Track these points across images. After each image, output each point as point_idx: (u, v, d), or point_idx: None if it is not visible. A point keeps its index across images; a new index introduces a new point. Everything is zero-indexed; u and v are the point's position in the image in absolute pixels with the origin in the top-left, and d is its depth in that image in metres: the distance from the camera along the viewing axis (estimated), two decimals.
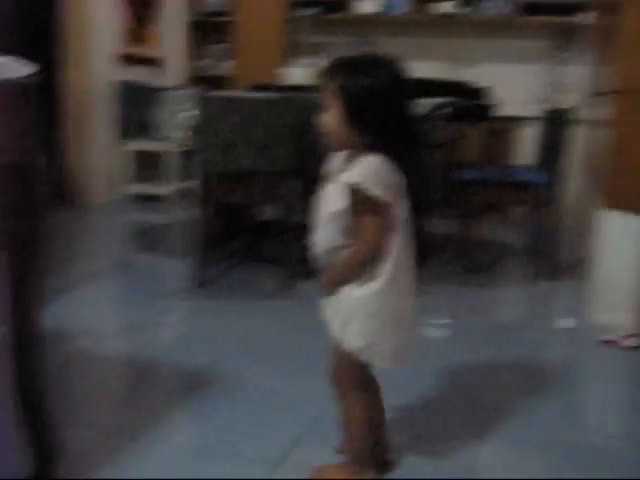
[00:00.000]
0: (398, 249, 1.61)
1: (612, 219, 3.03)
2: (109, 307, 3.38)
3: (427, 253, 4.30)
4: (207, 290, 3.48)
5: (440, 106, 3.68)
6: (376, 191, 1.53)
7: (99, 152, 5.73)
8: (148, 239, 4.88)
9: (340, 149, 1.62)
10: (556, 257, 3.91)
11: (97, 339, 2.80)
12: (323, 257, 1.66)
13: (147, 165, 6.04)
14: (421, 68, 5.26)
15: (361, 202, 1.55)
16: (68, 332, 2.84)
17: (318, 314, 1.72)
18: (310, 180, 3.16)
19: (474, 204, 3.97)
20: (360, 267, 1.60)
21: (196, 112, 3.26)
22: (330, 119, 1.56)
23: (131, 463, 1.84)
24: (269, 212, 4.51)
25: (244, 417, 2.16)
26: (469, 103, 4.14)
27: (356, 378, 1.71)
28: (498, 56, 5.88)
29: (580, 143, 4.04)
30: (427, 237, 4.42)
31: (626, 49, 3.31)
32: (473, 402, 2.32)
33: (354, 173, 1.54)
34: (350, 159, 1.60)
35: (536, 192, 3.90)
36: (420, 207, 4.22)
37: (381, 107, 1.54)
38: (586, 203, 4.30)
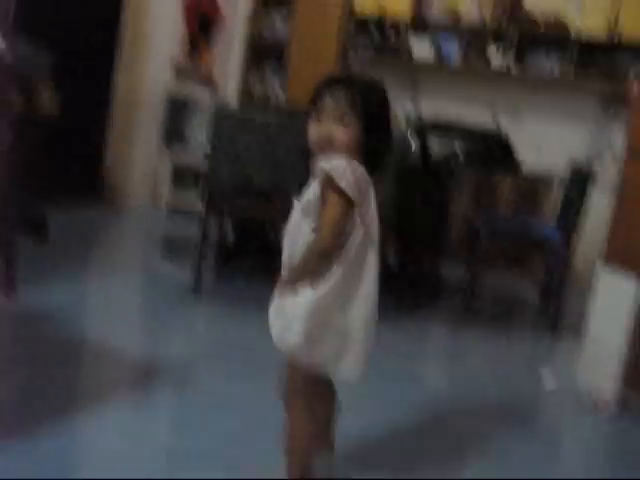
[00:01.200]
0: (354, 254, 1.60)
1: (612, 279, 2.98)
2: (105, 300, 3.46)
3: (437, 294, 4.30)
4: (206, 298, 3.55)
5: (460, 150, 3.70)
6: (343, 184, 1.56)
7: (141, 158, 5.91)
8: (169, 247, 4.99)
9: (332, 155, 1.63)
10: (560, 313, 3.87)
11: (80, 324, 2.90)
12: (291, 257, 1.65)
13: (185, 177, 6.19)
14: (465, 116, 5.32)
15: (328, 191, 1.58)
16: (53, 315, 2.94)
17: None
18: None
19: (487, 253, 3.96)
20: (315, 261, 1.59)
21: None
22: (342, 131, 1.62)
23: (58, 431, 1.90)
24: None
25: (187, 413, 2.20)
26: (492, 152, 4.14)
27: (301, 389, 1.68)
28: (544, 114, 5.87)
29: (601, 204, 3.99)
30: (439, 278, 4.42)
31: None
32: (443, 439, 2.37)
33: (327, 163, 1.59)
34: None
35: (550, 247, 3.88)
36: (436, 248, 4.26)
37: (384, 122, 1.69)
38: (595, 262, 4.25)
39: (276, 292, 1.65)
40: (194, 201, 6.13)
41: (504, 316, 4.27)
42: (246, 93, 6.77)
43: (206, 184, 3.47)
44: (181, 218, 5.94)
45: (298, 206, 1.67)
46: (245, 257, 4.38)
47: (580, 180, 3.91)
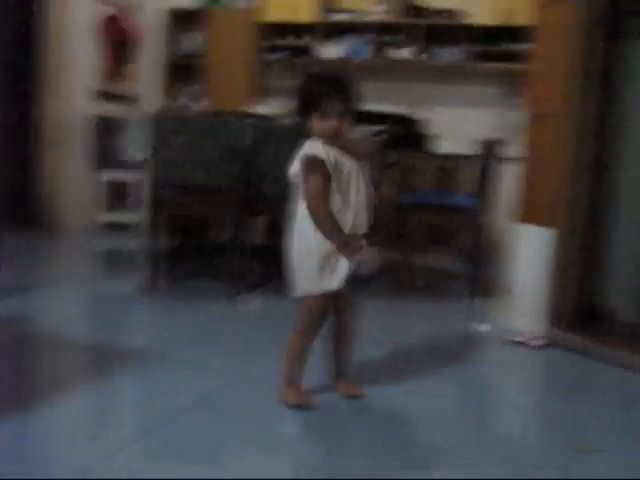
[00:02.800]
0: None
1: (527, 234, 3.35)
2: (63, 304, 3.61)
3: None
4: (153, 295, 3.74)
5: (378, 132, 4.00)
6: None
7: (73, 181, 6.03)
8: (112, 260, 5.14)
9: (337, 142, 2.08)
10: (483, 274, 4.21)
11: (46, 325, 3.07)
12: None
13: (118, 194, 6.34)
14: (380, 109, 5.64)
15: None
16: (22, 318, 3.10)
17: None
18: (252, 197, 3.45)
19: (412, 225, 4.27)
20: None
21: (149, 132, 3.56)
22: (346, 124, 2.05)
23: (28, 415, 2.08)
24: (223, 235, 4.79)
25: (162, 378, 2.43)
26: (405, 131, 4.46)
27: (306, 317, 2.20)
28: (451, 100, 6.29)
29: (510, 175, 4.37)
30: None
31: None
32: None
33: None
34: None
35: (467, 215, 4.23)
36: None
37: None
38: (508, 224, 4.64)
39: None
40: (129, 216, 6.28)
41: (435, 286, 4.60)
42: (168, 107, 6.96)
43: (149, 184, 3.66)
44: (118, 234, 6.08)
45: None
46: (189, 257, 4.58)
47: (490, 153, 4.27)
